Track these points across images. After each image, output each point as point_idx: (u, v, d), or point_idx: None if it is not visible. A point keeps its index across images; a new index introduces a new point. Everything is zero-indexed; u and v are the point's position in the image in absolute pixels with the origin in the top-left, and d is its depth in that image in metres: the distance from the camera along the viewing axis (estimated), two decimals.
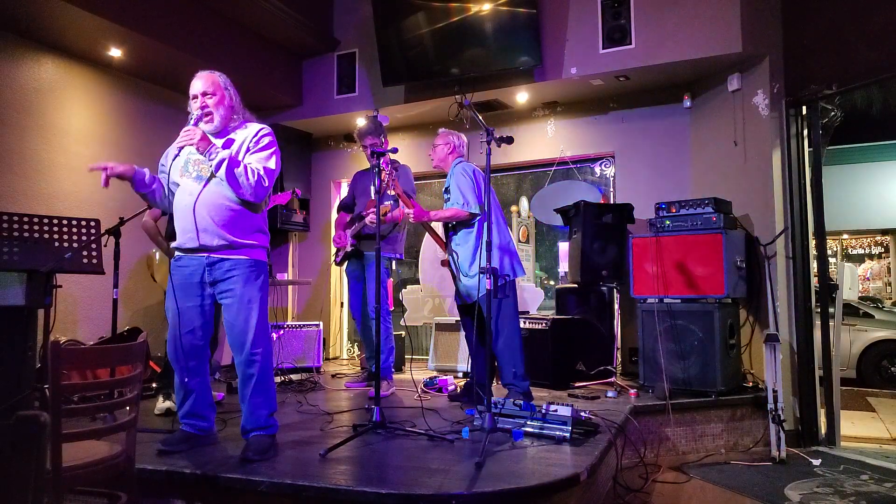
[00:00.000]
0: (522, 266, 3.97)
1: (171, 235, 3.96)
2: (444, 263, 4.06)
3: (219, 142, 2.82)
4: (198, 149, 2.71)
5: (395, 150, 3.62)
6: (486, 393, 3.17)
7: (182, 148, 2.75)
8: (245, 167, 2.74)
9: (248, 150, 2.84)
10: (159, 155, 2.97)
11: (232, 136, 2.89)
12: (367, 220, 4.38)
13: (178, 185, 2.86)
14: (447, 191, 3.98)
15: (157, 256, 4.44)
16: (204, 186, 2.78)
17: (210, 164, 2.72)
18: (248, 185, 2.73)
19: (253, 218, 2.86)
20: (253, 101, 3.02)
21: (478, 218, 3.83)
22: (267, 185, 2.80)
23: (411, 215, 3.88)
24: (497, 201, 4.00)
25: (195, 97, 2.85)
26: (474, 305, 3.83)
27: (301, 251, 6.89)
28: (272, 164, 2.84)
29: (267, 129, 2.93)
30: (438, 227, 4.18)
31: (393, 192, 3.97)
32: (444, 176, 4.09)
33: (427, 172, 6.22)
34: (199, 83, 2.86)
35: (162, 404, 3.75)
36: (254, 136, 2.87)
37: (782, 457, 3.89)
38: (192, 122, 2.77)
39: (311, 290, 6.78)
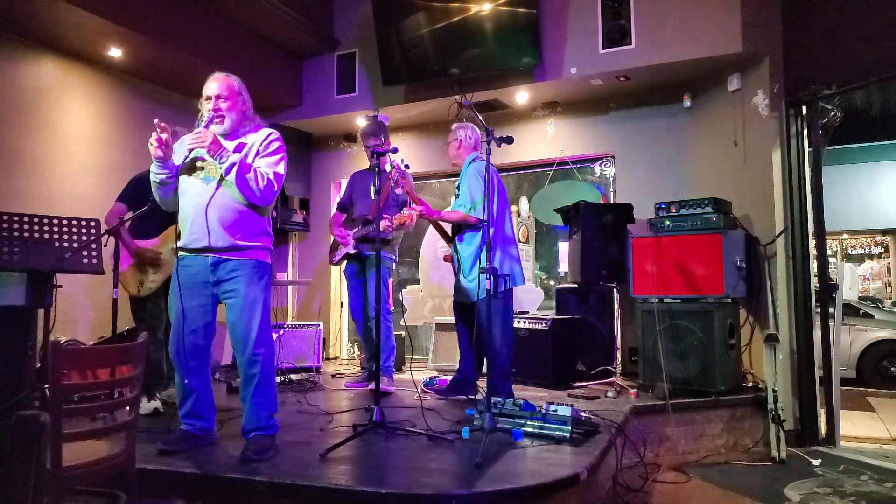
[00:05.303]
0: (524, 276, 4.01)
1: (139, 234, 3.89)
2: (447, 259, 4.08)
3: (230, 144, 2.83)
4: (209, 152, 2.72)
5: (395, 150, 3.62)
6: (486, 393, 3.17)
7: (192, 150, 2.74)
8: (255, 171, 2.76)
9: (257, 153, 2.85)
10: None
11: (243, 139, 2.89)
12: (382, 224, 4.33)
13: (183, 184, 2.85)
14: (459, 187, 3.98)
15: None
16: (213, 188, 2.79)
17: (220, 167, 2.74)
18: (257, 189, 2.75)
19: (259, 220, 2.88)
20: (253, 101, 3.02)
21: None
22: (276, 189, 2.83)
23: (421, 213, 3.91)
24: (508, 204, 4.00)
25: (209, 98, 2.84)
26: (470, 305, 3.85)
27: (301, 251, 6.89)
28: (281, 168, 2.87)
29: (276, 134, 2.94)
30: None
31: (401, 191, 3.98)
32: (444, 176, 4.10)
33: (427, 172, 6.23)
34: (214, 85, 2.84)
35: (147, 405, 3.64)
36: (263, 140, 2.88)
37: (782, 457, 3.89)
38: (202, 124, 2.77)
39: (311, 290, 6.78)
